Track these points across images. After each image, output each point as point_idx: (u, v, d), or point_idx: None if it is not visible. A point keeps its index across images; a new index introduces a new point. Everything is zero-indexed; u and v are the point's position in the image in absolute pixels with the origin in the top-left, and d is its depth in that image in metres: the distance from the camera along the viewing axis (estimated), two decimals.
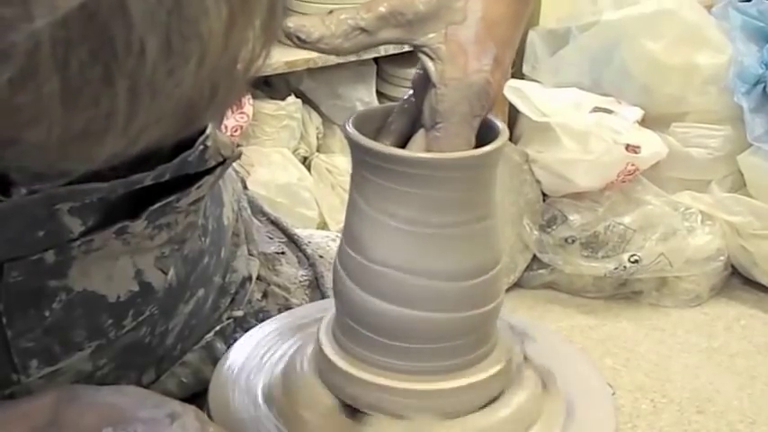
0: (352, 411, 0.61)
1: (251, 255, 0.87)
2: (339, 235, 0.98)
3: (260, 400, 0.65)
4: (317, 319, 0.67)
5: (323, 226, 2.06)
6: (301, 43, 0.58)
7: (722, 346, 2.10)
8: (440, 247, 0.58)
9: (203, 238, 0.73)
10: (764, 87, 2.20)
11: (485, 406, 0.62)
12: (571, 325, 2.15)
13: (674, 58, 2.26)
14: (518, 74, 2.40)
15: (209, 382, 0.76)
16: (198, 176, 0.64)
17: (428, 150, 0.59)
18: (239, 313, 0.82)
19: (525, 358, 0.66)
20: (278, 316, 0.77)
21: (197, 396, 0.78)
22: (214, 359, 0.77)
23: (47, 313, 0.62)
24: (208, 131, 0.63)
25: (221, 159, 0.66)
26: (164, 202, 0.62)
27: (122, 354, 0.69)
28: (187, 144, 0.62)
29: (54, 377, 0.66)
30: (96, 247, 0.62)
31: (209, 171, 0.65)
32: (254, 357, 0.69)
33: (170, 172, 0.62)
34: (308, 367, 0.64)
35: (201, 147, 0.63)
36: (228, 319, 0.80)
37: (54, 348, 0.65)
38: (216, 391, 0.66)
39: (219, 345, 0.79)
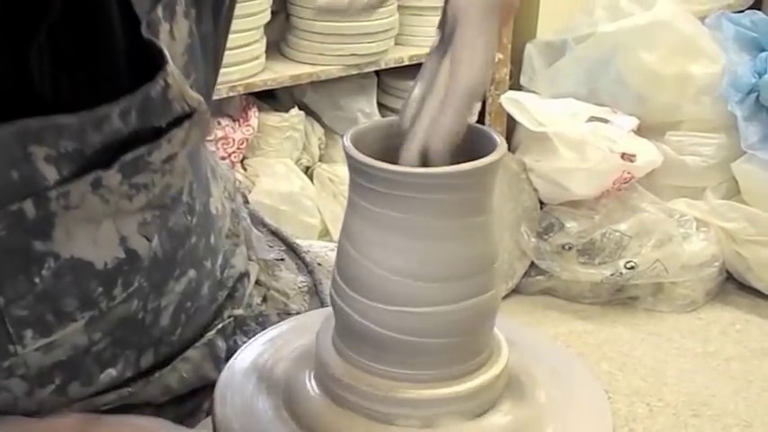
0: None
1: (250, 260, 0.88)
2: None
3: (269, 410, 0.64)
4: (318, 326, 0.67)
5: (325, 233, 2.06)
6: None
7: (717, 351, 2.09)
8: (437, 256, 0.58)
9: (189, 216, 0.73)
10: (757, 96, 2.20)
11: (482, 413, 0.61)
12: (568, 330, 2.14)
13: (669, 68, 2.25)
14: (516, 85, 2.40)
15: (208, 379, 0.78)
16: (168, 128, 0.65)
17: (452, 59, 0.60)
18: (239, 312, 0.83)
19: (521, 365, 0.66)
20: (279, 324, 0.77)
21: (195, 393, 0.80)
22: (215, 356, 0.79)
23: (37, 279, 0.63)
24: (169, 69, 0.64)
25: (188, 111, 0.66)
26: (136, 153, 0.63)
27: (117, 328, 0.70)
28: (148, 76, 0.63)
29: (50, 350, 0.67)
30: (75, 204, 0.62)
31: (178, 123, 0.66)
32: (256, 367, 0.69)
33: (135, 109, 0.62)
34: (310, 377, 0.64)
35: (162, 83, 0.64)
36: (229, 317, 0.82)
37: (47, 318, 0.65)
38: (220, 403, 0.66)
39: (220, 343, 0.80)
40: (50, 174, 0.61)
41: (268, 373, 0.68)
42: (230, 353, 0.82)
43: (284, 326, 0.76)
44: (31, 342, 0.65)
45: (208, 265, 0.78)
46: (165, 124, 0.65)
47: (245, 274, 0.85)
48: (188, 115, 0.67)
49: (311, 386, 0.63)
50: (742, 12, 2.41)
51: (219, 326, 0.81)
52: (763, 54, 2.22)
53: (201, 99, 0.68)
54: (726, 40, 2.29)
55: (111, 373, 0.72)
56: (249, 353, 0.71)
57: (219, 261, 0.81)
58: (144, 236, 0.68)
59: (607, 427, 0.64)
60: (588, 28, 2.33)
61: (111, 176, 0.63)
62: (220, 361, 0.80)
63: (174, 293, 0.74)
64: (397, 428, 0.60)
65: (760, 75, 2.20)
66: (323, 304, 0.90)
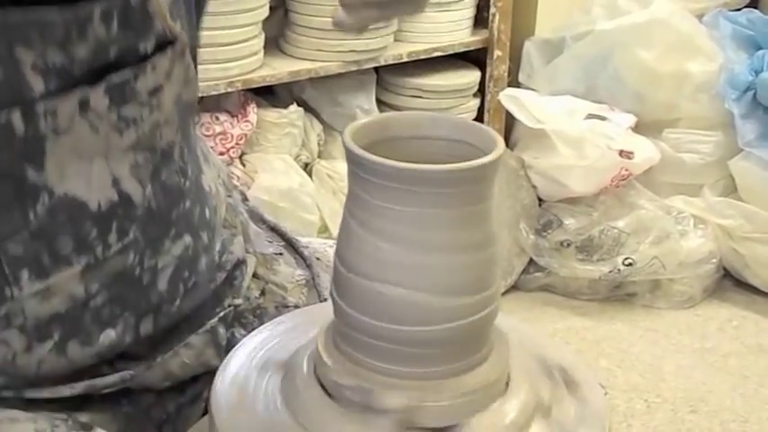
0: None
1: (248, 252, 0.89)
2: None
3: (267, 412, 0.63)
4: (315, 324, 0.66)
5: (324, 230, 2.05)
6: None
7: (715, 347, 2.09)
8: (437, 251, 0.57)
9: (182, 179, 0.74)
10: (754, 94, 2.20)
11: (482, 409, 0.61)
12: (567, 326, 2.13)
13: (666, 65, 2.25)
14: (514, 82, 2.40)
15: (210, 366, 0.79)
16: (152, 54, 0.67)
17: None
18: (239, 301, 0.84)
19: (519, 361, 0.65)
20: (278, 319, 0.76)
21: (196, 380, 0.81)
22: (216, 344, 0.80)
23: (31, 215, 0.64)
24: None
25: (170, 37, 0.68)
26: (122, 77, 0.65)
27: (114, 282, 0.70)
28: None
29: (47, 297, 0.67)
30: (64, 128, 0.63)
31: (161, 48, 0.67)
32: (251, 365, 0.68)
33: (117, 12, 0.63)
34: (308, 374, 0.63)
35: None
36: (229, 306, 0.83)
37: (43, 259, 0.66)
38: (217, 402, 0.65)
39: (222, 330, 0.81)
40: (37, 85, 0.61)
41: (266, 370, 0.68)
42: (228, 345, 0.83)
43: (283, 321, 0.75)
44: (28, 284, 0.66)
45: (204, 238, 0.78)
46: (150, 50, 0.66)
47: (242, 262, 0.86)
48: (170, 42, 0.68)
49: (311, 383, 0.63)
50: (739, 10, 2.42)
51: (221, 314, 0.82)
52: (760, 52, 2.23)
53: (184, 33, 0.70)
54: (723, 38, 2.30)
55: (111, 334, 0.72)
56: (247, 349, 0.70)
57: (217, 246, 0.82)
58: (137, 179, 0.69)
59: (604, 423, 0.64)
60: (586, 26, 2.33)
61: (99, 99, 0.64)
62: (222, 349, 0.81)
63: (170, 255, 0.74)
64: (398, 424, 0.59)
65: (757, 72, 2.20)
66: (320, 297, 0.91)
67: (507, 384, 0.63)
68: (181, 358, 0.78)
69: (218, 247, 0.82)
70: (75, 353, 0.71)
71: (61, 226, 0.66)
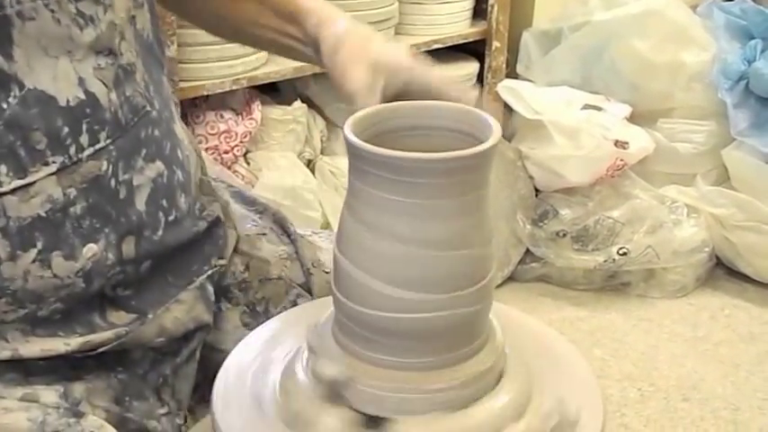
0: (372, 420, 0.61)
1: (228, 227, 0.92)
2: (321, 231, 1.03)
3: (268, 410, 0.64)
4: (315, 319, 0.67)
5: (326, 226, 2.04)
6: None
7: (707, 336, 2.09)
8: (435, 236, 0.58)
9: (147, 104, 0.78)
10: (747, 83, 2.18)
11: (484, 396, 0.62)
12: (562, 317, 2.13)
13: (661, 56, 2.24)
14: (512, 73, 2.38)
15: (201, 321, 0.84)
16: None
17: None
18: (223, 262, 0.88)
19: (516, 351, 0.67)
20: (274, 318, 0.78)
21: (188, 340, 0.85)
22: (206, 299, 0.85)
23: (4, 105, 0.68)
24: None
25: None
26: None
27: (91, 189, 0.72)
28: None
29: (27, 197, 0.69)
30: (29, 14, 0.67)
31: None
32: (253, 364, 0.69)
33: None
34: (304, 367, 0.65)
35: None
36: (215, 266, 0.87)
37: (19, 152, 0.69)
38: (220, 403, 0.66)
39: (210, 287, 0.86)
40: None
41: (265, 370, 0.69)
42: (215, 319, 0.88)
43: (280, 319, 0.76)
44: (7, 181, 0.68)
45: (179, 175, 0.81)
46: None
47: (220, 220, 0.89)
48: None
49: (311, 378, 0.63)
50: (732, 0, 2.40)
51: (209, 272, 0.86)
52: (753, 42, 2.21)
53: None
54: (716, 28, 2.28)
55: (93, 248, 0.73)
56: (247, 349, 0.71)
57: (198, 204, 0.84)
58: (100, 80, 0.73)
59: (599, 412, 0.64)
60: (583, 17, 2.30)
61: None
62: (211, 304, 0.86)
63: (144, 176, 0.76)
64: (398, 414, 0.60)
65: (749, 62, 2.19)
66: (303, 267, 0.94)
67: (503, 372, 0.64)
68: (173, 314, 0.81)
69: (198, 205, 0.85)
70: (60, 267, 0.72)
71: (33, 118, 0.69)
